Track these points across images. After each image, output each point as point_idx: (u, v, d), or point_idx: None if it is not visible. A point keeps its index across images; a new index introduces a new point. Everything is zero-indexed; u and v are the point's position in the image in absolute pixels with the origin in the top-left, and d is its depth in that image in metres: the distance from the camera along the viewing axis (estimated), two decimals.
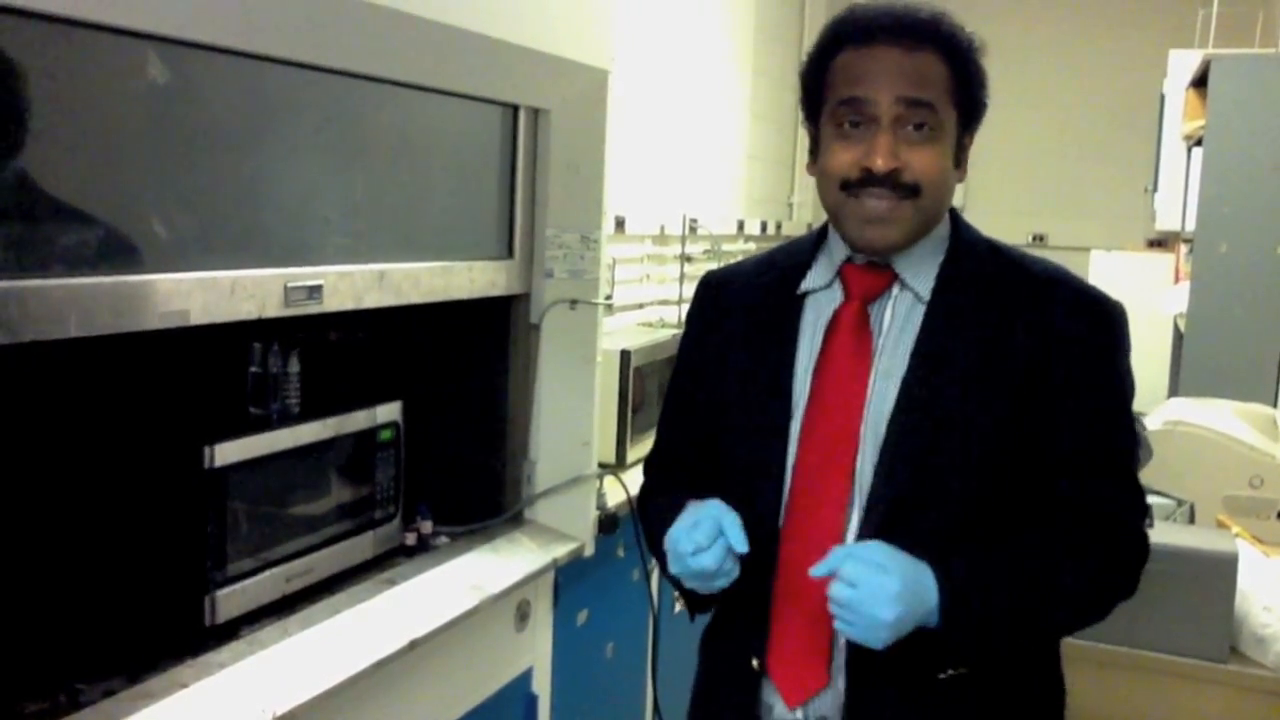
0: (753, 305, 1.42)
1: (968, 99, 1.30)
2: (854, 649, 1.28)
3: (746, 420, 1.37)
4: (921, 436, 1.28)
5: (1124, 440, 1.34)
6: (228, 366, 1.86)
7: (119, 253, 1.38)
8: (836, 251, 1.38)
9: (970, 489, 1.28)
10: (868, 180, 1.26)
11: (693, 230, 4.41)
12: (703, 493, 1.35)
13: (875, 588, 1.18)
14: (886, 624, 1.19)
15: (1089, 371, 1.30)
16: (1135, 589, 1.36)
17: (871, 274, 1.34)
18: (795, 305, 1.39)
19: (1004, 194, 5.76)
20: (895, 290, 1.34)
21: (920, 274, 1.33)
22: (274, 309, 1.61)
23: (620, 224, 3.82)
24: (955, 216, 1.39)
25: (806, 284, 1.39)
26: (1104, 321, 1.32)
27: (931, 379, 1.29)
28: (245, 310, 1.56)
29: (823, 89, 1.32)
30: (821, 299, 1.38)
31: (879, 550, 1.22)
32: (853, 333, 1.33)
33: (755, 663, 1.36)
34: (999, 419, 1.27)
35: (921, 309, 1.32)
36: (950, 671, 1.29)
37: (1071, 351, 1.29)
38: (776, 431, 1.34)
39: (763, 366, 1.37)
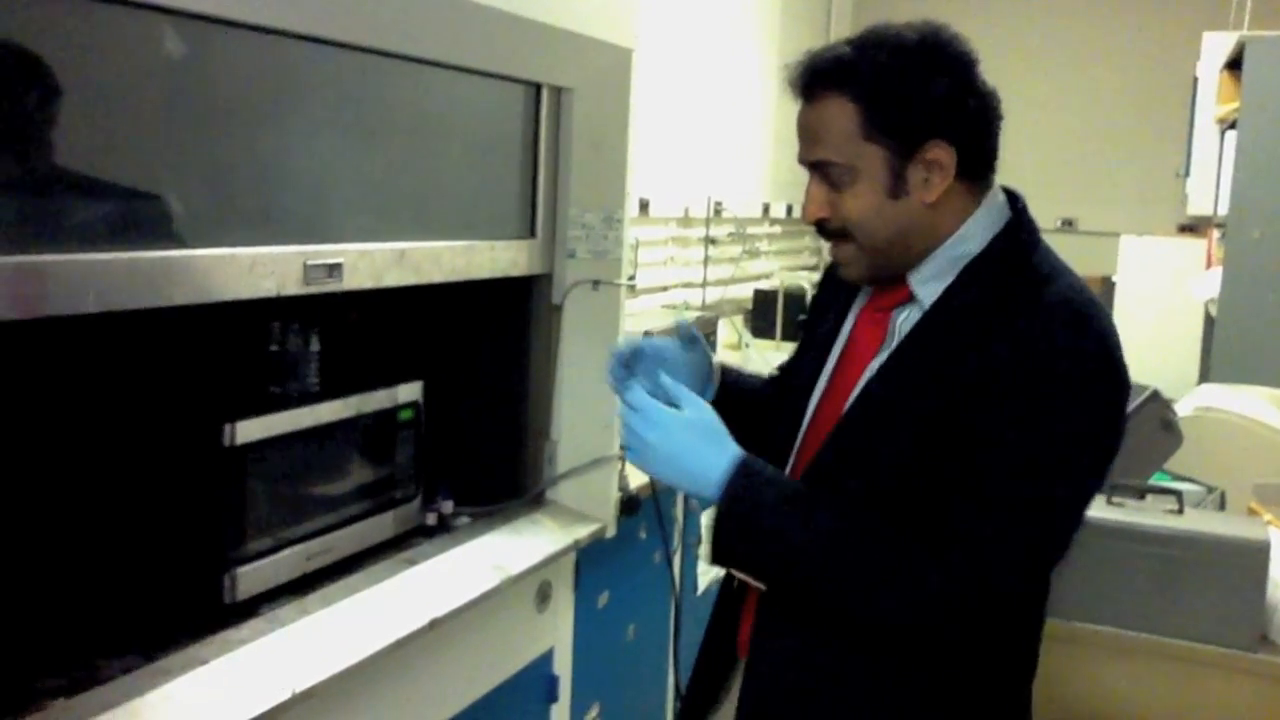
0: (835, 283, 1.50)
1: (893, 126, 1.27)
2: (761, 601, 1.39)
3: (791, 383, 1.49)
4: (857, 429, 1.33)
5: (1020, 486, 1.22)
6: (248, 345, 1.85)
7: (137, 228, 1.37)
8: None
9: (882, 484, 1.29)
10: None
11: (718, 213, 4.39)
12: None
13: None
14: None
15: (1017, 410, 1.22)
16: (913, 623, 1.25)
17: (892, 286, 1.37)
18: (852, 292, 1.46)
19: (1033, 178, 5.65)
20: (912, 301, 1.36)
21: (929, 289, 1.34)
22: (294, 287, 1.60)
23: (644, 206, 3.81)
24: (1017, 238, 1.34)
25: None
26: (1059, 369, 1.22)
27: (886, 384, 1.33)
28: (265, 288, 1.56)
29: None
30: (865, 293, 1.44)
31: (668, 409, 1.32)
32: (866, 331, 1.40)
33: (735, 582, 1.47)
34: (921, 433, 1.27)
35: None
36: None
37: (1008, 385, 1.22)
38: (800, 402, 1.44)
39: (814, 340, 1.48)
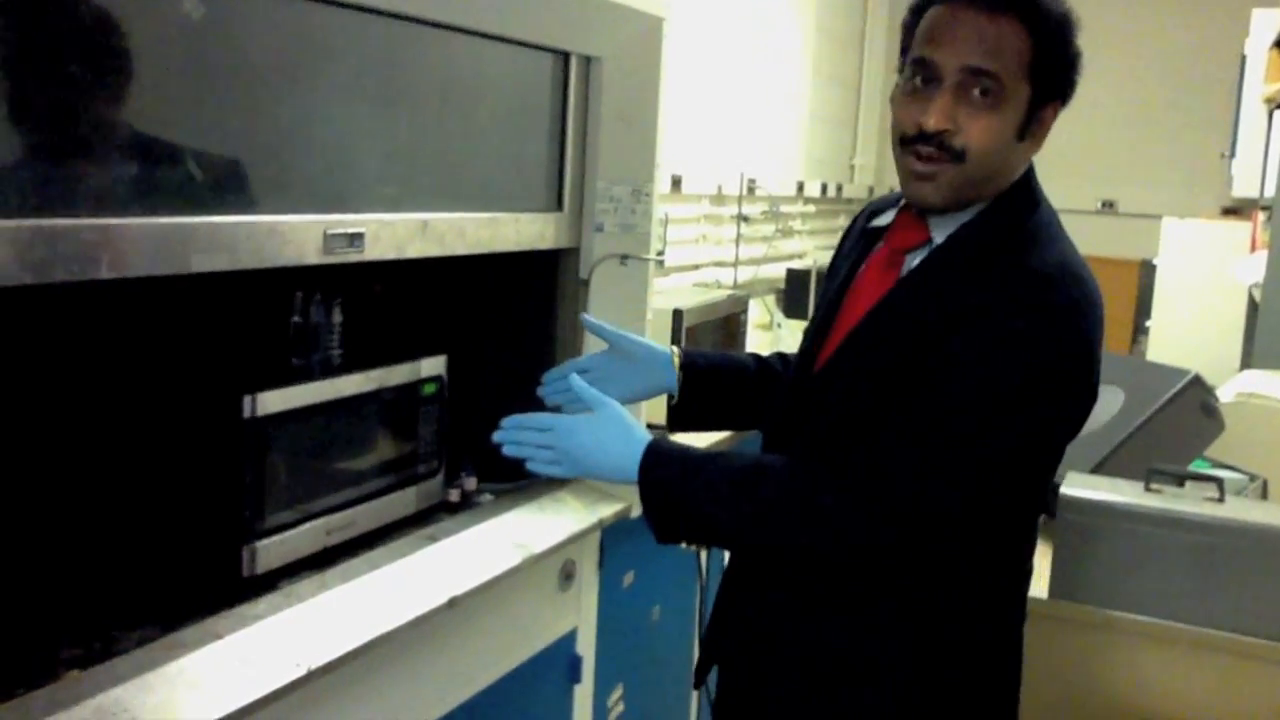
0: (854, 231, 1.55)
1: (1046, 74, 1.31)
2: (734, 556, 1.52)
3: (812, 328, 1.51)
4: (837, 367, 1.39)
5: (942, 423, 1.26)
6: (271, 316, 1.83)
7: (154, 194, 1.35)
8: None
9: (856, 416, 1.35)
10: (920, 137, 1.31)
11: (751, 191, 4.34)
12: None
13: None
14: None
15: (963, 358, 1.26)
16: (825, 548, 1.31)
17: (913, 228, 1.40)
18: (870, 237, 1.48)
19: (1072, 158, 5.58)
20: (928, 246, 1.39)
21: (941, 232, 1.38)
22: (313, 256, 1.58)
23: (677, 183, 3.76)
24: (1021, 196, 1.37)
25: (878, 221, 1.48)
26: (1012, 329, 1.25)
27: (875, 326, 1.37)
28: (284, 257, 1.53)
29: (911, 42, 1.36)
30: (882, 240, 1.46)
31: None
32: (878, 272, 1.42)
33: None
34: (890, 369, 1.32)
35: None
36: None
37: (963, 337, 1.27)
38: (816, 340, 1.47)
39: (832, 284, 1.51)
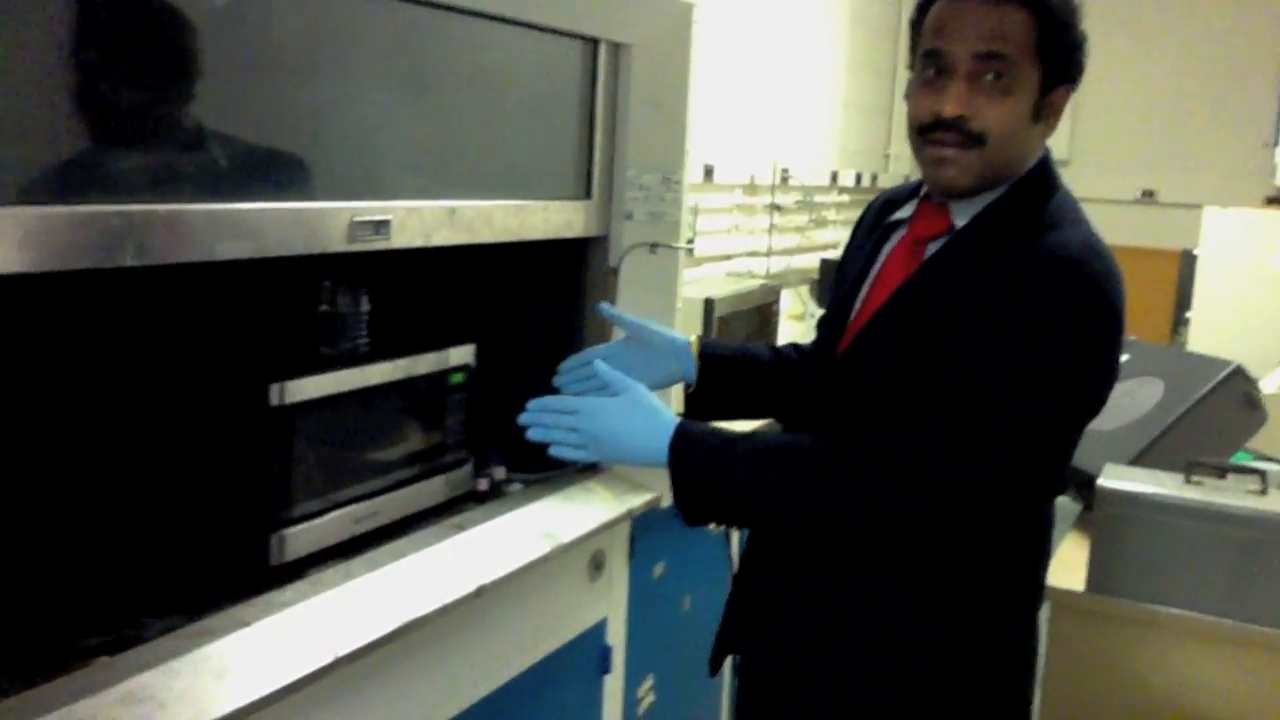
0: (870, 223, 1.57)
1: (1053, 56, 1.33)
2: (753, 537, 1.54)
3: (829, 317, 1.53)
4: (860, 349, 1.41)
5: (967, 402, 1.27)
6: (299, 304, 1.83)
7: (179, 180, 1.35)
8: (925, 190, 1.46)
9: (870, 399, 1.38)
10: (938, 125, 1.33)
11: (784, 180, 4.30)
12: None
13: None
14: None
15: (988, 340, 1.28)
16: (862, 520, 1.32)
17: (935, 216, 1.41)
18: (888, 230, 1.50)
19: (1112, 147, 5.51)
20: (950, 233, 1.41)
21: (962, 219, 1.39)
22: (339, 244, 1.57)
23: (709, 173, 3.73)
24: (1039, 180, 1.39)
25: (898, 214, 1.49)
26: (1035, 309, 1.27)
27: (898, 308, 1.38)
28: (309, 244, 1.53)
29: (919, 38, 1.39)
30: (902, 230, 1.48)
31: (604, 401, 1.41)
32: (900, 261, 1.43)
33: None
34: (910, 357, 1.34)
35: None
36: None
37: (987, 319, 1.28)
38: (835, 331, 1.49)
39: (850, 276, 1.52)
